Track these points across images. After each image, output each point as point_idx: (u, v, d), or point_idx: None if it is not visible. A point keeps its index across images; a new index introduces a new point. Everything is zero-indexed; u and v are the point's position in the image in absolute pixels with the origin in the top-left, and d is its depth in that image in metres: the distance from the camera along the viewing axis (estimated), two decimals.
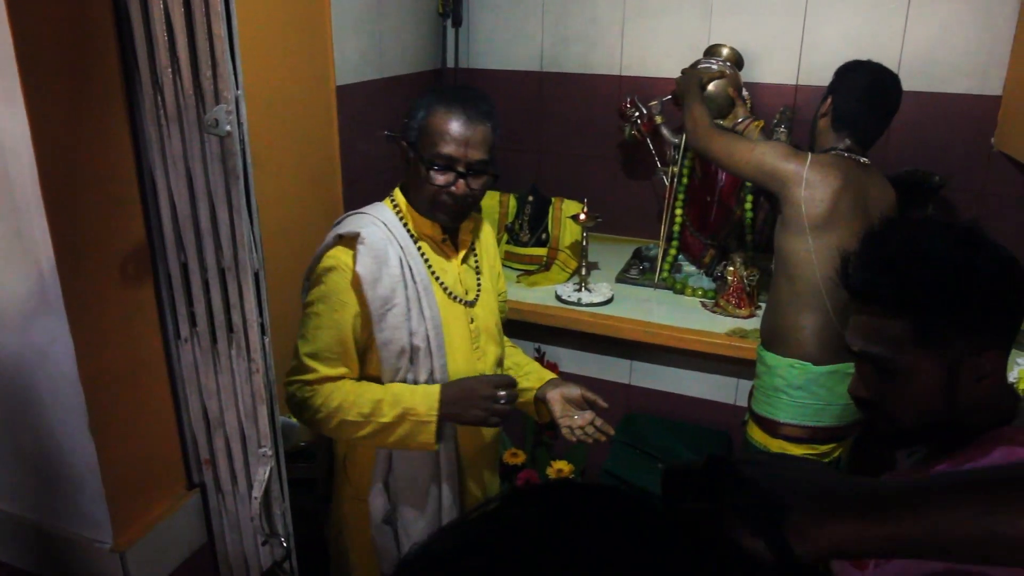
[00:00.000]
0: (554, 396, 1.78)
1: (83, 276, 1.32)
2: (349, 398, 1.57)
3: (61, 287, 1.28)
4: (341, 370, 1.60)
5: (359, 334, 1.59)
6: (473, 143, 1.56)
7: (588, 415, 1.74)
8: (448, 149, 1.55)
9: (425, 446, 1.60)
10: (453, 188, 1.57)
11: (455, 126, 1.55)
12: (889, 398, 1.08)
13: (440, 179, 1.57)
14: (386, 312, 1.57)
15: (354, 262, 1.55)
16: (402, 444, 1.61)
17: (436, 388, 1.59)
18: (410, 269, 1.60)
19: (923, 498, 0.60)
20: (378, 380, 1.63)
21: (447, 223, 1.65)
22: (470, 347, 1.71)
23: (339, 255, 1.57)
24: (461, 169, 1.57)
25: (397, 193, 1.67)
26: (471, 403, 1.58)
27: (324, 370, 1.58)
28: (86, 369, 1.34)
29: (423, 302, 1.60)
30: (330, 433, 1.63)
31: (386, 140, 1.65)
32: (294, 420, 1.96)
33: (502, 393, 1.58)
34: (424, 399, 1.58)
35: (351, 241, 1.57)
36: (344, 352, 1.59)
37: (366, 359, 1.64)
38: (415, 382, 1.63)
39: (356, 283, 1.55)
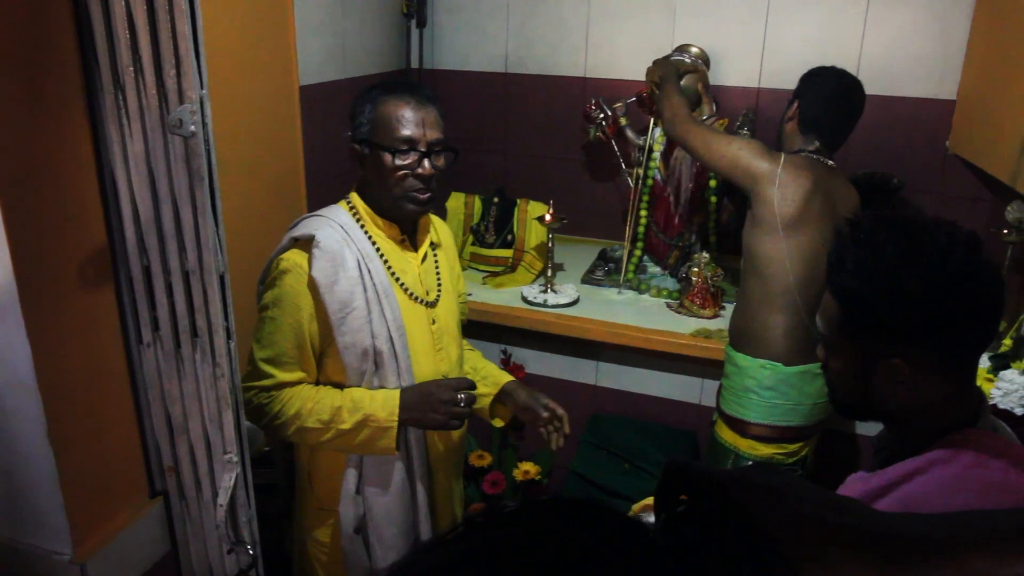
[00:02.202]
0: (512, 386, 1.81)
1: (41, 280, 1.29)
2: (308, 405, 1.56)
3: (18, 291, 1.24)
4: (298, 374, 1.58)
5: (316, 337, 1.58)
6: (428, 123, 1.58)
7: (558, 410, 1.75)
8: (407, 132, 1.56)
9: (386, 451, 1.60)
10: (420, 170, 1.57)
11: (407, 110, 1.56)
12: (828, 367, 1.18)
13: (406, 160, 1.57)
14: (346, 315, 1.55)
15: (309, 265, 1.53)
16: (363, 449, 1.61)
17: (395, 393, 1.59)
18: (368, 271, 1.58)
19: (948, 546, 0.59)
20: (342, 385, 1.61)
21: (417, 212, 1.63)
22: (433, 348, 1.70)
23: (294, 258, 1.55)
24: (423, 149, 1.57)
25: (353, 195, 1.66)
26: (431, 407, 1.57)
27: (281, 375, 1.56)
28: (44, 375, 1.30)
29: (384, 304, 1.59)
30: (289, 439, 1.61)
31: (347, 143, 1.63)
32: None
33: (461, 396, 1.58)
34: (384, 405, 1.57)
35: (306, 244, 1.55)
36: (301, 356, 1.57)
37: (328, 364, 1.62)
38: (381, 386, 1.61)
39: (312, 286, 1.53)
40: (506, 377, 1.86)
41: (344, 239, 1.57)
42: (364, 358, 1.58)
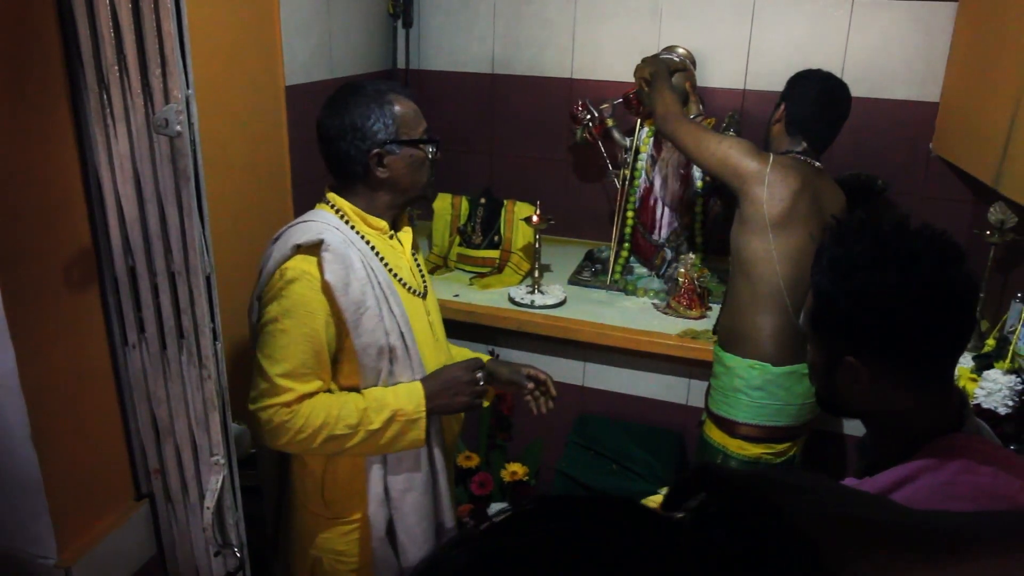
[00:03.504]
0: (492, 364, 1.83)
1: (25, 281, 1.28)
2: (333, 412, 1.52)
3: (1, 293, 1.23)
4: (315, 384, 1.54)
5: (332, 342, 1.55)
6: None
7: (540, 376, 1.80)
8: (425, 123, 1.64)
9: (414, 444, 1.60)
10: (436, 157, 1.66)
11: (414, 104, 1.63)
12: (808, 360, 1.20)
13: (434, 150, 1.64)
14: (360, 316, 1.53)
15: (320, 271, 1.50)
16: (390, 447, 1.59)
17: (417, 385, 1.60)
18: (372, 269, 1.58)
19: (991, 543, 0.59)
20: (355, 388, 1.59)
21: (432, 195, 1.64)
22: (432, 339, 1.72)
23: (300, 265, 1.51)
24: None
25: (335, 198, 1.63)
26: (456, 391, 1.62)
27: (300, 388, 1.52)
28: (28, 377, 1.29)
29: (390, 301, 1.59)
30: (314, 451, 1.57)
31: (358, 152, 1.59)
32: (244, 426, 1.92)
33: (479, 375, 1.63)
34: (409, 397, 1.57)
35: (313, 249, 1.51)
36: (318, 364, 1.54)
37: (341, 369, 1.59)
38: (396, 382, 1.61)
39: (327, 291, 1.50)
40: (483, 357, 1.87)
41: (345, 240, 1.56)
42: (380, 356, 1.57)
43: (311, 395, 1.53)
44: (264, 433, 1.53)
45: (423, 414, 1.57)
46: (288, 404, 1.51)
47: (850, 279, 1.05)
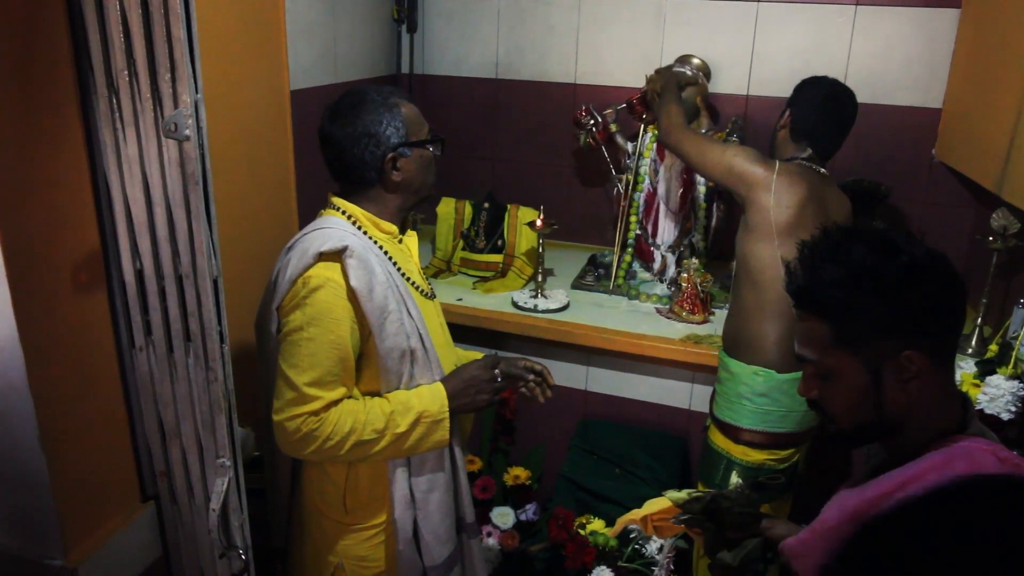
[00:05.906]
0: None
1: (33, 284, 1.28)
2: (360, 417, 1.52)
3: (10, 295, 1.24)
4: (340, 391, 1.53)
5: (356, 348, 1.54)
6: None
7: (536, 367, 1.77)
8: (426, 123, 1.65)
9: (438, 444, 1.60)
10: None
11: (415, 106, 1.65)
12: (825, 399, 1.15)
13: (441, 150, 1.67)
14: (384, 321, 1.53)
15: (345, 277, 1.49)
16: (414, 449, 1.59)
17: (439, 386, 1.61)
18: (390, 274, 1.58)
19: None
20: (376, 394, 1.59)
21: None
22: (444, 340, 1.74)
23: (323, 272, 1.50)
24: None
25: (344, 203, 1.62)
26: (478, 390, 1.63)
27: (328, 395, 1.51)
28: (36, 379, 1.30)
29: (407, 304, 1.59)
30: (341, 459, 1.56)
31: (374, 158, 1.59)
32: (249, 429, 1.92)
33: (497, 371, 1.66)
34: (433, 398, 1.58)
35: (335, 256, 1.50)
36: (344, 371, 1.53)
37: (362, 374, 1.59)
38: (417, 385, 1.61)
39: (353, 297, 1.50)
40: (476, 354, 1.87)
41: (364, 246, 1.56)
42: (402, 360, 1.58)
43: (337, 402, 1.52)
44: (291, 443, 1.51)
45: (447, 414, 1.59)
46: (316, 412, 1.49)
47: (871, 276, 1.05)
